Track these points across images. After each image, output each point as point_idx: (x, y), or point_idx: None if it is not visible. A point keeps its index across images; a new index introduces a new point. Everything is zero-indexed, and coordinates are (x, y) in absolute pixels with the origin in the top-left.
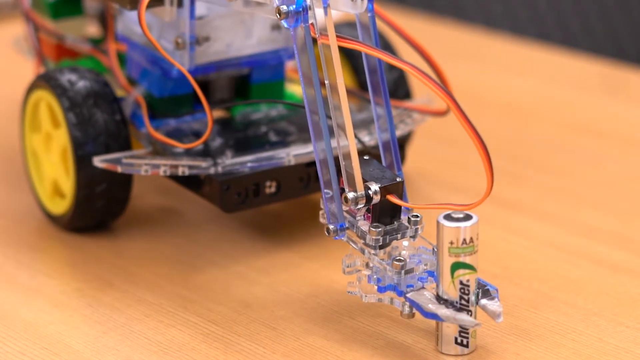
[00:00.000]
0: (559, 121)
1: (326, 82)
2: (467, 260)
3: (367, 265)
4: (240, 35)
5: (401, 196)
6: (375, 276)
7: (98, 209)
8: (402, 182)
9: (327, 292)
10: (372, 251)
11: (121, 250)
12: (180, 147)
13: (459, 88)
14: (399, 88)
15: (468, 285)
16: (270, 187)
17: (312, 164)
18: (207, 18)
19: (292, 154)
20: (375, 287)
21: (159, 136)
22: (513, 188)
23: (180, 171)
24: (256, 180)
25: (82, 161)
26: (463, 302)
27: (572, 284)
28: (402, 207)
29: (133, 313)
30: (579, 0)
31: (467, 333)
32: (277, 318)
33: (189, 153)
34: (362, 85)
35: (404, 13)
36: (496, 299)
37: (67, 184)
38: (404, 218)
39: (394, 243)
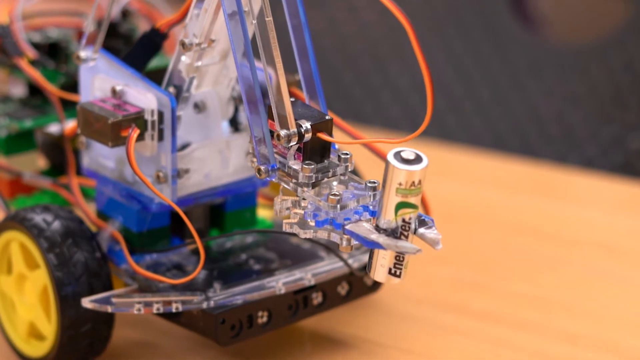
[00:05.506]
0: (501, 225)
1: (254, 22)
2: (413, 200)
3: (299, 204)
4: (218, 165)
5: (330, 134)
6: (311, 212)
7: (81, 349)
8: (331, 120)
9: None
10: (306, 189)
11: None
12: (171, 283)
13: None
14: None
15: (410, 223)
16: (262, 317)
17: (300, 291)
18: (187, 150)
19: (281, 282)
20: (312, 222)
21: (147, 273)
22: (481, 298)
23: (174, 307)
24: (249, 311)
25: (65, 302)
26: (403, 237)
27: None
28: (331, 146)
29: None
30: (510, 105)
31: (401, 265)
32: None
33: (175, 287)
34: None
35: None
36: (433, 227)
37: (48, 326)
38: (333, 157)
39: (324, 181)
